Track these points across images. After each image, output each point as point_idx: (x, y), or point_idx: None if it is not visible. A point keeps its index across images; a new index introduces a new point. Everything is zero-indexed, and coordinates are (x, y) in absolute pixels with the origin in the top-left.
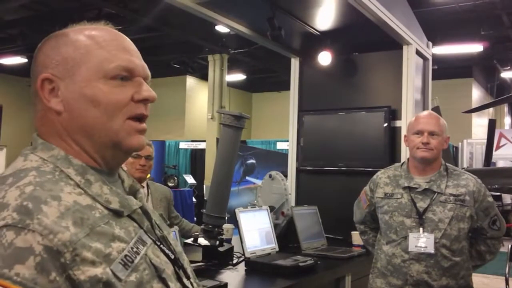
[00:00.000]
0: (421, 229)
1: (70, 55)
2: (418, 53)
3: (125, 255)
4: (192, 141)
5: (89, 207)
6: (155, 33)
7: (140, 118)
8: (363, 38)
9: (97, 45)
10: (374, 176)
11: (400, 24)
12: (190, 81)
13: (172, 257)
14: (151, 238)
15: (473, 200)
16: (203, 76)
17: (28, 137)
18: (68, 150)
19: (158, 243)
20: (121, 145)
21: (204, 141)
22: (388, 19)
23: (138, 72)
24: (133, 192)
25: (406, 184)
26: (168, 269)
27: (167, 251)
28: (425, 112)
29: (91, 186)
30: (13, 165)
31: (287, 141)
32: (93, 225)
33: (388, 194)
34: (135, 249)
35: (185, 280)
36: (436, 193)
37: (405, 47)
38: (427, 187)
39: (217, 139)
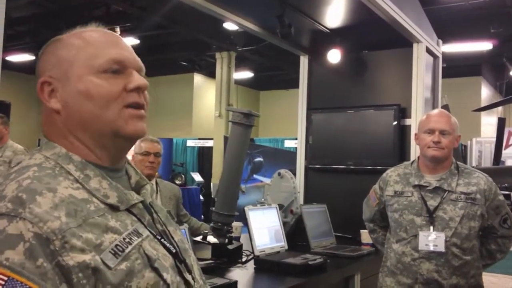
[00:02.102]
0: (431, 227)
1: (64, 57)
2: (428, 51)
3: (116, 245)
4: (200, 138)
5: (85, 201)
6: (163, 30)
7: (138, 106)
8: (372, 35)
9: (86, 44)
10: (384, 174)
11: (411, 22)
12: (198, 78)
13: (174, 251)
14: (151, 232)
15: (484, 199)
16: (211, 74)
17: (36, 135)
18: (70, 147)
19: (159, 237)
20: (120, 132)
21: (212, 139)
22: (398, 17)
23: (129, 63)
24: (138, 188)
25: (416, 182)
26: (166, 262)
27: (168, 245)
28: (436, 111)
29: (90, 181)
30: (20, 163)
31: (295, 139)
32: (86, 216)
33: (398, 192)
34: (127, 240)
35: (186, 274)
36: (447, 192)
37: (415, 45)
38: (437, 185)
39: (225, 137)
